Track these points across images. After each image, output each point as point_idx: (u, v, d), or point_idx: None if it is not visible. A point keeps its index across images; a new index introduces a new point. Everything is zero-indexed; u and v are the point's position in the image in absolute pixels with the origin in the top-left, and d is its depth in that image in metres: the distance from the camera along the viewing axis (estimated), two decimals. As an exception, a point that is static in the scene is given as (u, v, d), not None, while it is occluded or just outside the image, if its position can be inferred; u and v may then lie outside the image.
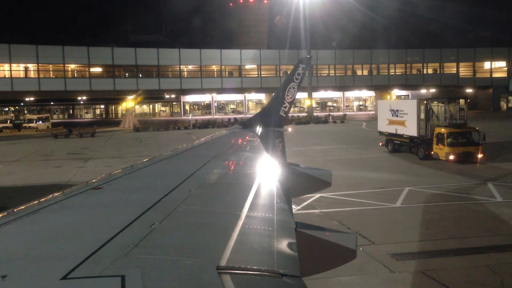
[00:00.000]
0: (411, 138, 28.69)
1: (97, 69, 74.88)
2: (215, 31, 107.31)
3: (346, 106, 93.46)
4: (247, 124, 10.23)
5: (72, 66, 73.28)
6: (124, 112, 79.39)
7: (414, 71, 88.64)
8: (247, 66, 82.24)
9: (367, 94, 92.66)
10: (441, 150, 25.93)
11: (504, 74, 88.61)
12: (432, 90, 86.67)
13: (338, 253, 3.47)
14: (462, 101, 29.65)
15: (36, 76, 68.59)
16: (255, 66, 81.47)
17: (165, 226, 2.73)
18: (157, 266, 2.06)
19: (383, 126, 31.82)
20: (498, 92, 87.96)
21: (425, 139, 27.48)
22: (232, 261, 2.24)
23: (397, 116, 30.08)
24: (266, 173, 5.07)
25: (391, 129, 30.67)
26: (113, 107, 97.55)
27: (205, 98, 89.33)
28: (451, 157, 25.24)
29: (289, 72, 10.94)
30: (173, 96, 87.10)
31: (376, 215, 15.81)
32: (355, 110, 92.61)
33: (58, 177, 24.29)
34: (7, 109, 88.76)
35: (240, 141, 8.53)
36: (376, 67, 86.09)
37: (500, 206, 16.55)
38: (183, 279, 1.99)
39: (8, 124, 62.61)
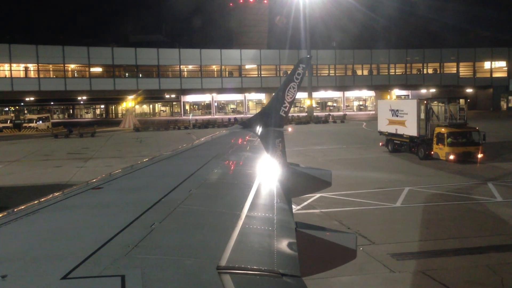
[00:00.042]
0: (411, 138, 28.69)
1: (97, 69, 74.89)
2: (215, 31, 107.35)
3: (346, 106, 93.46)
4: (247, 124, 10.24)
5: (72, 66, 73.30)
6: (124, 112, 79.40)
7: (414, 71, 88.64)
8: (247, 66, 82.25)
9: (367, 94, 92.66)
10: (441, 150, 25.93)
11: (504, 74, 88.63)
12: (432, 90, 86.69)
13: (338, 253, 3.47)
14: (462, 101, 29.62)
15: (36, 76, 68.60)
16: (255, 66, 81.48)
17: (165, 226, 2.73)
18: (157, 266, 2.06)
19: (383, 126, 31.82)
20: (498, 92, 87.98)
21: (425, 139, 27.48)
22: (232, 261, 2.23)
23: (397, 116, 30.08)
24: (266, 173, 5.07)
25: (391, 129, 30.67)
26: (113, 107, 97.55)
27: (205, 98, 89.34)
28: (451, 157, 25.24)
29: (289, 72, 10.94)
30: (173, 96, 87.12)
31: (376, 215, 15.81)
32: (355, 110, 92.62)
33: (58, 177, 24.29)
34: (7, 109, 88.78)
35: (240, 141, 8.53)
36: (376, 67, 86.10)
37: (500, 206, 16.55)
38: (183, 279, 1.99)
39: (8, 124, 62.60)
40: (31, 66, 69.01)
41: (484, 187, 19.70)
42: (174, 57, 75.99)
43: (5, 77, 66.85)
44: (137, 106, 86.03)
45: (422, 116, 28.15)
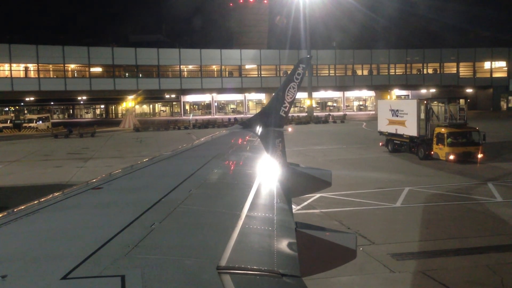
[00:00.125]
0: (411, 138, 28.69)
1: (97, 69, 74.88)
2: (215, 31, 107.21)
3: (346, 106, 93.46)
4: (247, 124, 10.24)
5: (72, 66, 73.28)
6: (124, 112, 79.38)
7: (414, 71, 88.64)
8: (247, 66, 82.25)
9: (367, 94, 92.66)
10: (441, 150, 25.93)
11: (504, 74, 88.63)
12: (432, 90, 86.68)
13: (338, 253, 3.47)
14: (462, 101, 29.65)
15: (36, 76, 68.58)
16: (255, 66, 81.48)
17: (165, 226, 2.73)
18: (157, 266, 2.06)
19: (383, 126, 31.82)
20: (498, 92, 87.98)
21: (425, 139, 27.48)
22: (232, 261, 2.23)
23: (397, 116, 30.08)
24: (266, 173, 5.07)
25: (391, 129, 30.68)
26: (113, 107, 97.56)
27: (205, 98, 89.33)
28: (451, 157, 25.24)
29: (289, 72, 10.94)
30: (173, 96, 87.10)
31: (376, 215, 15.81)
32: (355, 110, 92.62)
33: (58, 177, 24.29)
34: (7, 109, 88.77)
35: (240, 141, 8.53)
36: (376, 67, 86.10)
37: (500, 206, 16.55)
38: (183, 279, 1.99)
39: (8, 124, 62.62)
40: (31, 66, 68.99)
41: (484, 187, 19.70)
42: (174, 57, 75.98)
43: (5, 77, 66.85)
44: (137, 106, 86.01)
45: (422, 116, 28.16)
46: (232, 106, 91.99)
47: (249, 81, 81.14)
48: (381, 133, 32.28)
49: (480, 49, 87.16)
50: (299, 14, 67.28)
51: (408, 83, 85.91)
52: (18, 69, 69.55)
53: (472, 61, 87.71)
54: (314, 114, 70.48)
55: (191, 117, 70.19)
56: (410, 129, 28.58)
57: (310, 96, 70.63)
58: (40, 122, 64.06)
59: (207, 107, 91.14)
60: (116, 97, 78.51)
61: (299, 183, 6.18)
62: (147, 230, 2.58)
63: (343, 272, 10.02)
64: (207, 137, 9.75)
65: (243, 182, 4.45)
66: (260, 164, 5.67)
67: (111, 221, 2.87)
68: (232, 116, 76.17)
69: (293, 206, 7.98)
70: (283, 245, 2.74)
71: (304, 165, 7.18)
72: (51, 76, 71.05)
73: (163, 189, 3.74)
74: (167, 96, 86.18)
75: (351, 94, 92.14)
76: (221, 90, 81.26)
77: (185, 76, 79.51)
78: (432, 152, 26.69)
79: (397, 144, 30.42)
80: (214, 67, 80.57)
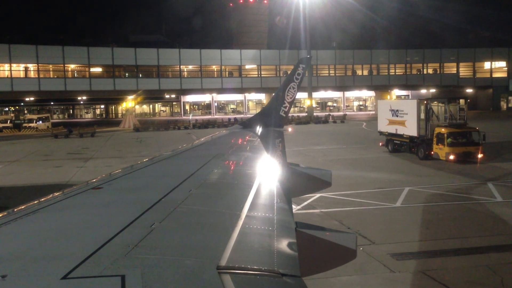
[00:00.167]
0: (411, 138, 28.69)
1: (97, 69, 74.90)
2: (215, 31, 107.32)
3: (346, 106, 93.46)
4: (247, 124, 10.24)
5: (72, 66, 73.31)
6: (124, 112, 79.39)
7: (414, 71, 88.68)
8: (247, 66, 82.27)
9: (367, 94, 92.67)
10: (441, 150, 25.93)
11: (504, 74, 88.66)
12: (432, 90, 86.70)
13: (338, 253, 3.47)
14: (462, 101, 29.60)
15: (36, 76, 68.62)
16: (255, 66, 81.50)
17: (165, 226, 2.73)
18: (157, 266, 2.06)
19: (383, 126, 31.82)
20: (498, 92, 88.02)
21: (425, 139, 27.48)
22: (232, 261, 2.23)
23: (397, 116, 30.08)
24: (266, 173, 5.07)
25: (391, 129, 30.68)
26: (113, 107, 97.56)
27: (205, 98, 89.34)
28: (451, 157, 25.24)
29: (289, 72, 10.94)
30: (173, 96, 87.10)
31: (376, 215, 15.81)
32: (355, 110, 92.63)
33: (58, 177, 24.30)
34: (7, 109, 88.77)
35: (240, 141, 8.53)
36: (376, 67, 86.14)
37: (500, 206, 16.55)
38: (183, 279, 1.99)
39: (8, 124, 62.65)
40: (31, 66, 69.02)
41: (484, 187, 19.70)
42: (174, 57, 76.01)
43: (5, 77, 66.86)
44: (137, 106, 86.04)
45: (422, 116, 28.15)
46: (232, 106, 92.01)
47: (249, 81, 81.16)
48: (381, 133, 32.28)
49: (480, 49, 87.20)
50: (299, 14, 67.30)
51: (408, 83, 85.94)
52: (18, 69, 69.58)
53: (472, 61, 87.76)
54: (314, 114, 70.50)
55: (191, 117, 70.18)
56: (410, 129, 28.58)
57: (310, 96, 70.64)
58: (40, 122, 64.07)
59: (207, 107, 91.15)
60: (116, 97, 78.54)
61: (299, 183, 6.18)
62: (147, 230, 2.58)
63: (343, 272, 10.02)
64: (207, 137, 9.75)
65: (243, 182, 4.45)
66: (260, 164, 5.67)
67: (111, 221, 2.87)
68: (232, 116, 76.18)
69: (293, 206, 7.98)
70: (283, 245, 2.74)
71: (304, 165, 7.18)
72: (51, 76, 71.08)
73: (163, 189, 3.74)
74: (167, 96, 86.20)
75: (351, 94, 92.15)
76: (221, 90, 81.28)
77: (185, 76, 79.53)
78: (432, 152, 26.68)
79: (397, 144, 30.42)
80: (214, 67, 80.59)
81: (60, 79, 69.65)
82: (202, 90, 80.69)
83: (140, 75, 75.65)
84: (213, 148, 7.56)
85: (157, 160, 6.14)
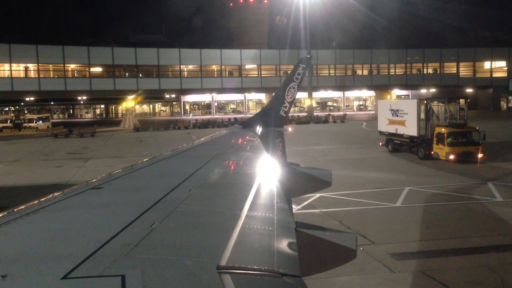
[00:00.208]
0: (411, 138, 28.70)
1: (97, 69, 74.91)
2: (215, 31, 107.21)
3: (346, 106, 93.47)
4: (247, 124, 10.23)
5: (72, 66, 73.31)
6: (124, 112, 79.40)
7: (414, 71, 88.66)
8: (247, 66, 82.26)
9: (367, 94, 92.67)
10: (441, 150, 25.94)
11: (504, 74, 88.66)
12: (432, 90, 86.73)
13: (338, 253, 3.47)
14: (462, 101, 29.59)
15: (36, 76, 68.61)
16: (255, 66, 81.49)
17: (165, 226, 2.72)
18: (157, 266, 2.06)
19: (383, 126, 31.83)
20: (498, 92, 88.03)
21: (425, 139, 27.49)
22: (232, 261, 2.23)
23: (397, 116, 30.09)
24: (266, 173, 5.07)
25: (391, 129, 30.68)
26: (113, 107, 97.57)
27: (205, 98, 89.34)
28: (451, 157, 25.25)
29: (289, 72, 10.94)
30: (173, 96, 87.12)
31: (376, 215, 15.81)
32: (355, 110, 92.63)
33: (58, 177, 24.30)
34: (7, 109, 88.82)
35: (240, 141, 8.53)
36: (376, 67, 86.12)
37: (500, 206, 16.55)
38: (183, 279, 1.98)
39: (8, 124, 62.63)
40: (31, 66, 69.02)
41: (484, 187, 19.70)
42: (174, 57, 76.01)
43: (5, 77, 66.85)
44: (137, 106, 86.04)
45: (422, 116, 28.16)
46: (232, 106, 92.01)
47: (249, 81, 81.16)
48: (381, 133, 32.29)
49: (480, 49, 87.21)
50: (299, 14, 67.32)
51: (408, 83, 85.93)
52: (18, 69, 69.58)
53: (472, 61, 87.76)
54: (314, 114, 70.50)
55: (191, 117, 70.25)
56: (410, 129, 28.59)
57: (310, 96, 70.64)
58: (40, 122, 64.08)
59: (207, 107, 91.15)
60: (116, 97, 78.56)
61: (299, 183, 6.18)
62: (147, 230, 2.57)
63: (343, 272, 10.02)
64: (207, 137, 9.74)
65: (243, 182, 4.45)
66: (260, 164, 5.67)
67: (111, 221, 2.86)
68: (232, 116, 76.20)
69: (293, 206, 7.99)
70: (283, 245, 2.73)
71: (304, 165, 7.18)
72: (51, 76, 71.08)
73: (163, 189, 3.74)
74: (167, 96, 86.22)
75: (351, 94, 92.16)
76: (221, 90, 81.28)
77: (185, 76, 79.54)
78: (432, 152, 26.69)
79: (397, 144, 30.42)
80: (214, 67, 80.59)
81: (60, 79, 69.66)
82: (202, 90, 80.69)
83: (140, 75, 75.65)
84: (213, 148, 7.56)
85: (157, 160, 6.14)
